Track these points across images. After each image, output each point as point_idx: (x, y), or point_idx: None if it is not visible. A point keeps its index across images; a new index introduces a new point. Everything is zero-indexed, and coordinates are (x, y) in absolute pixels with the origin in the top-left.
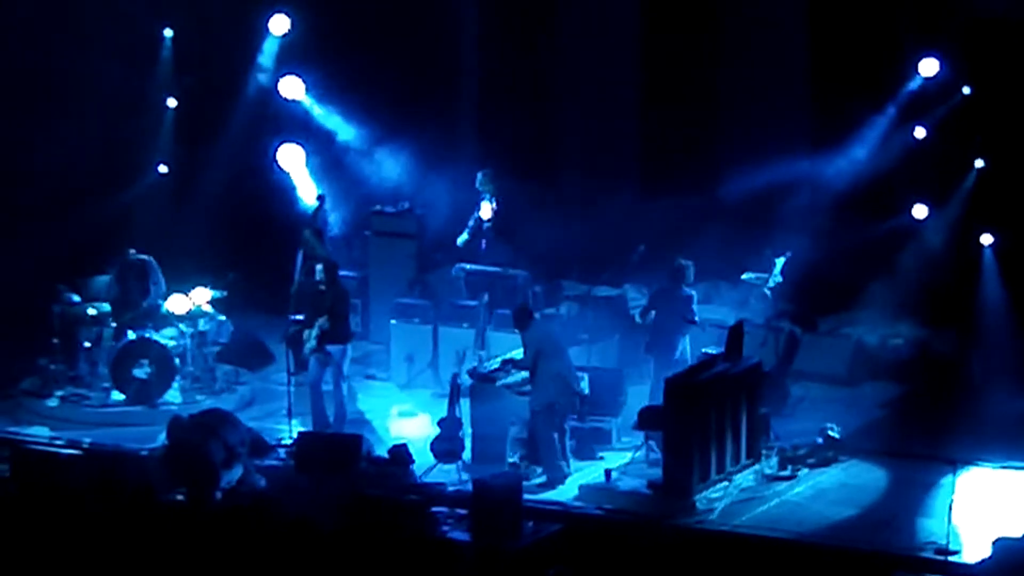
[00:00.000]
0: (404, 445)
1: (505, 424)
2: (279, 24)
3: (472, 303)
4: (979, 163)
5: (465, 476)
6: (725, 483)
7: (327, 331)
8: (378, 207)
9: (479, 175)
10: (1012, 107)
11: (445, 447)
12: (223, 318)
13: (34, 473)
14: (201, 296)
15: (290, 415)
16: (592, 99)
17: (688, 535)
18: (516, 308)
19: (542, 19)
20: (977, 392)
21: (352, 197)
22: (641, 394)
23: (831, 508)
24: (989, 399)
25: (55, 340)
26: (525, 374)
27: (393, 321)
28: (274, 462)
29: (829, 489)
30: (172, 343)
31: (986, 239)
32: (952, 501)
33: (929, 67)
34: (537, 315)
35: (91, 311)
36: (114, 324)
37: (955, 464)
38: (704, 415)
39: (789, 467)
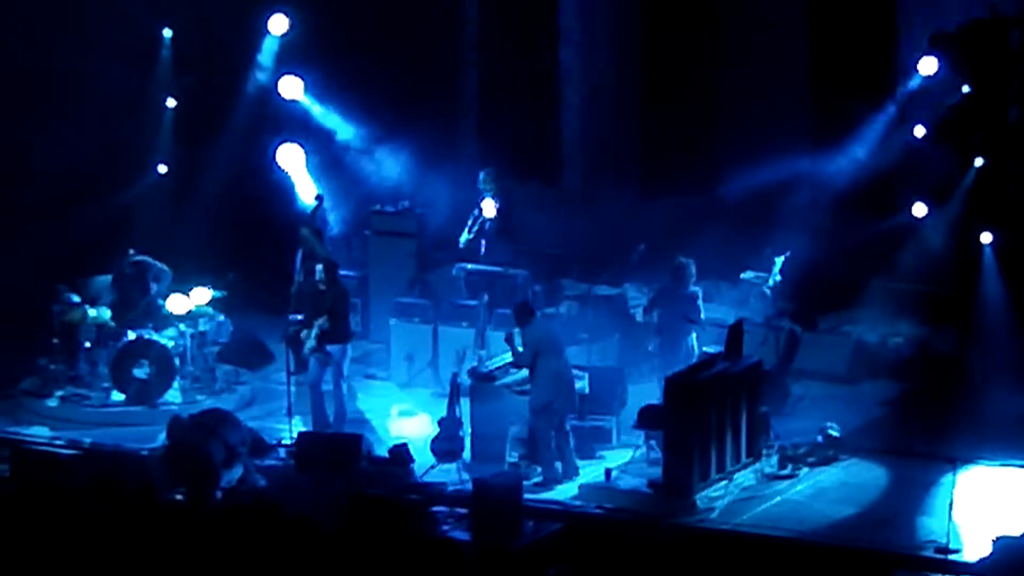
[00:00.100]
0: (404, 444)
1: (505, 423)
2: (278, 24)
3: (472, 302)
4: (979, 162)
5: (465, 475)
6: (725, 482)
7: (327, 331)
8: (378, 206)
9: (481, 174)
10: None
11: (445, 446)
12: (223, 318)
13: (34, 473)
14: (201, 296)
15: (290, 415)
16: (592, 98)
17: (688, 534)
18: (517, 305)
19: (542, 19)
20: (977, 390)
21: (352, 196)
22: (641, 393)
23: (831, 507)
24: (989, 397)
25: (55, 340)
26: (525, 373)
27: (393, 320)
28: (274, 462)
29: (829, 488)
30: (172, 343)
31: (986, 238)
32: (952, 499)
33: (928, 66)
34: (538, 313)
35: (91, 311)
36: (114, 324)
37: (955, 462)
38: (704, 414)
39: (789, 466)
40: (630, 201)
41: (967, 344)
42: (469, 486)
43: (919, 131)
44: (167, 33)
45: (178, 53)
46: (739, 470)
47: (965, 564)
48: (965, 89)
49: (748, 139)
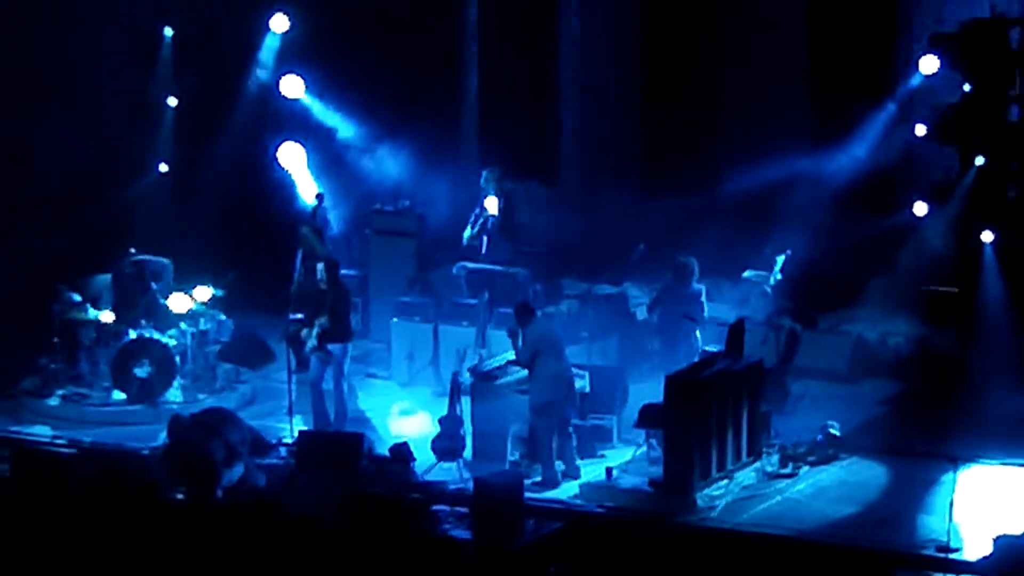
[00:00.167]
0: (405, 443)
1: (506, 422)
2: (279, 23)
3: (473, 301)
4: (979, 161)
5: (466, 474)
6: (726, 481)
7: (328, 330)
8: (378, 205)
9: (484, 172)
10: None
11: (446, 445)
12: (224, 317)
13: (35, 472)
14: (202, 295)
15: (291, 414)
16: (592, 97)
17: (689, 533)
18: (518, 304)
19: (542, 18)
20: (977, 389)
21: (352, 195)
22: (642, 392)
23: (832, 506)
24: (989, 396)
25: (56, 339)
26: (525, 372)
27: (394, 319)
28: (275, 461)
29: (830, 487)
30: (173, 342)
31: (986, 236)
32: (953, 498)
33: (929, 65)
34: (539, 312)
35: (92, 310)
36: (115, 324)
37: (956, 461)
38: (705, 413)
39: (790, 464)
40: (630, 200)
41: (967, 343)
42: (470, 485)
43: (919, 130)
44: (168, 32)
45: (179, 52)
46: (740, 469)
47: (965, 563)
48: (966, 88)
49: (748, 138)
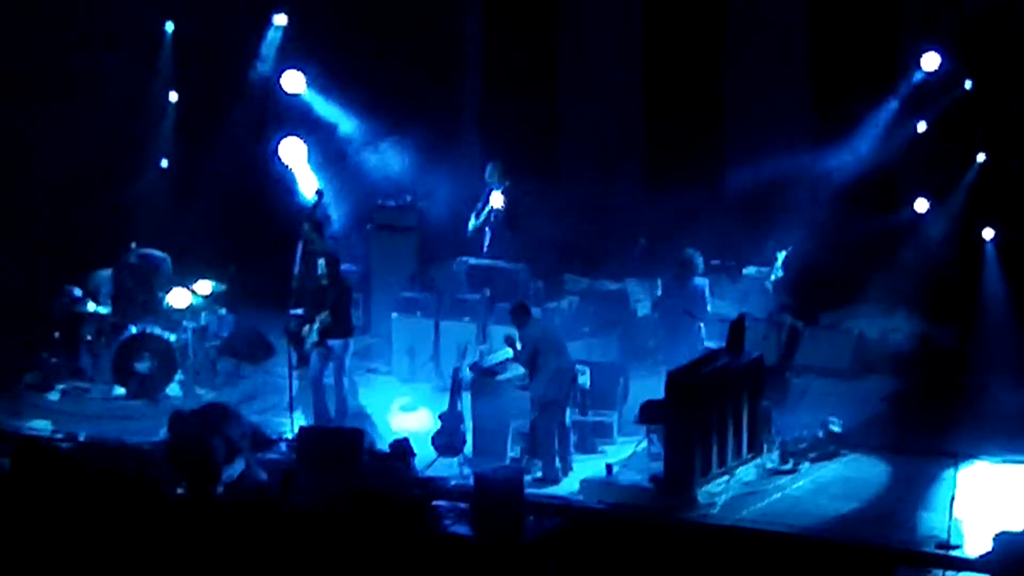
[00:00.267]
0: (405, 439)
1: (506, 418)
2: (281, 18)
3: (474, 297)
4: (980, 157)
5: (466, 470)
6: (726, 477)
7: (329, 325)
8: (380, 201)
9: (488, 166)
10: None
11: (446, 441)
12: (224, 312)
13: (36, 467)
14: (203, 290)
15: (291, 409)
16: (595, 92)
17: (689, 529)
18: (513, 306)
19: (545, 11)
20: (978, 386)
21: (354, 191)
22: (643, 388)
23: (832, 502)
24: (990, 393)
25: (57, 334)
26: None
27: (394, 315)
28: (276, 456)
29: (830, 483)
30: (173, 337)
31: (988, 233)
32: (953, 495)
33: (930, 61)
34: (537, 310)
35: (92, 305)
36: (115, 319)
37: (956, 458)
38: (705, 409)
39: (790, 461)
40: (632, 195)
41: (968, 340)
42: (470, 481)
43: (921, 126)
44: (169, 27)
45: (180, 47)
46: (740, 465)
47: (966, 560)
48: (968, 84)
49: (750, 134)
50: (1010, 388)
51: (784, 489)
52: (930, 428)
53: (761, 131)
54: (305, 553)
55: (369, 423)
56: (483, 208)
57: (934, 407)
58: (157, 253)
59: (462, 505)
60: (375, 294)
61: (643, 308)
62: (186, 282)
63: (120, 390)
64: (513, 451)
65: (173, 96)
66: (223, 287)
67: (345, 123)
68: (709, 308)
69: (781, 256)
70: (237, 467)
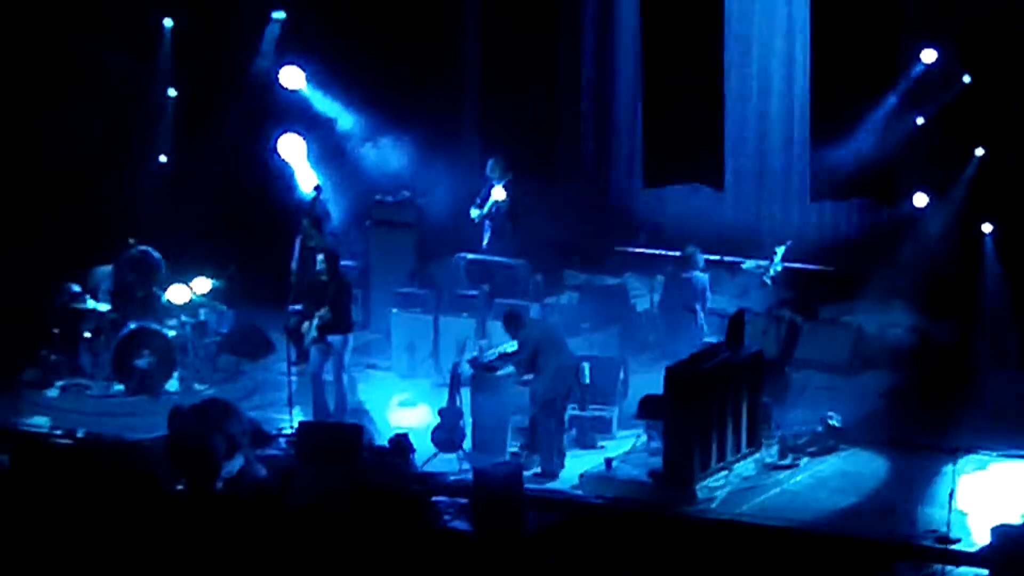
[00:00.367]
0: (405, 435)
1: (506, 413)
2: (280, 14)
3: (473, 292)
4: (979, 151)
5: (466, 466)
6: (726, 472)
7: (328, 322)
8: (379, 196)
9: (490, 162)
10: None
11: (445, 437)
12: (224, 308)
13: (35, 464)
14: (202, 286)
15: (291, 405)
16: (595, 86)
17: (689, 524)
18: (504, 316)
19: (543, 7)
20: (978, 380)
21: (352, 187)
22: (643, 383)
23: (832, 497)
24: (990, 387)
25: (56, 330)
26: None
27: (394, 310)
28: (275, 452)
29: (830, 478)
30: (173, 333)
31: (987, 228)
32: (953, 489)
33: (931, 56)
34: (536, 307)
35: (91, 301)
36: (114, 314)
37: (956, 452)
38: (705, 404)
39: (790, 456)
40: (632, 190)
41: (968, 334)
42: (470, 476)
43: (920, 121)
44: (167, 23)
45: (178, 43)
46: (739, 460)
47: (966, 554)
48: (967, 79)
49: (750, 129)
50: (1009, 382)
51: (783, 484)
52: (929, 423)
53: (761, 125)
54: (304, 549)
55: (368, 419)
56: (485, 199)
57: (933, 402)
58: (153, 252)
59: (461, 500)
60: (374, 290)
61: (642, 303)
62: (185, 278)
63: (119, 386)
64: (512, 446)
65: (172, 92)
66: (222, 283)
67: (344, 119)
68: (708, 304)
69: (780, 251)
70: (236, 463)
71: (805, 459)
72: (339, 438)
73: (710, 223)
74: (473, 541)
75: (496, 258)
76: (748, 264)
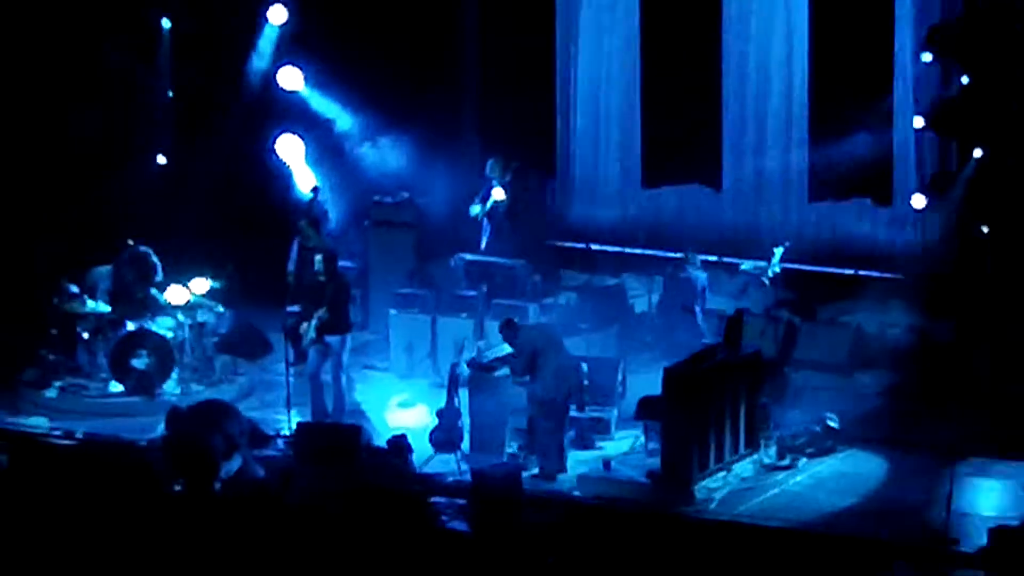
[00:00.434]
0: (403, 435)
1: (504, 414)
2: (278, 14)
3: (471, 293)
4: (978, 153)
5: (464, 466)
6: (724, 473)
7: (326, 322)
8: (377, 197)
9: (489, 162)
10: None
11: (444, 437)
12: (222, 308)
13: (33, 464)
14: (200, 286)
15: (289, 406)
16: (593, 86)
17: (687, 525)
18: (501, 324)
19: (543, 6)
20: (976, 381)
21: (351, 187)
22: (641, 383)
23: (830, 497)
24: (987, 388)
25: (54, 331)
26: None
27: (392, 311)
28: (273, 453)
29: (828, 479)
30: (171, 334)
31: (985, 228)
32: (951, 490)
33: (928, 56)
34: (535, 307)
35: (89, 302)
36: (112, 315)
37: (954, 453)
38: (703, 405)
39: (788, 456)
40: (630, 190)
41: (966, 334)
42: (468, 477)
43: (918, 122)
44: (165, 23)
45: (177, 43)
46: (738, 461)
47: (964, 555)
48: (964, 80)
49: (747, 130)
50: (1007, 383)
51: (781, 484)
52: (927, 423)
53: (760, 125)
54: (302, 550)
55: (366, 419)
56: (486, 199)
57: (931, 402)
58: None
59: (460, 501)
60: (373, 291)
61: (641, 304)
62: (183, 279)
63: (117, 387)
64: (511, 447)
65: (170, 92)
66: (220, 284)
67: (343, 119)
68: (706, 305)
69: (779, 251)
70: (234, 463)
71: (803, 460)
72: (337, 439)
73: (708, 224)
74: (471, 542)
75: (495, 259)
76: (746, 265)
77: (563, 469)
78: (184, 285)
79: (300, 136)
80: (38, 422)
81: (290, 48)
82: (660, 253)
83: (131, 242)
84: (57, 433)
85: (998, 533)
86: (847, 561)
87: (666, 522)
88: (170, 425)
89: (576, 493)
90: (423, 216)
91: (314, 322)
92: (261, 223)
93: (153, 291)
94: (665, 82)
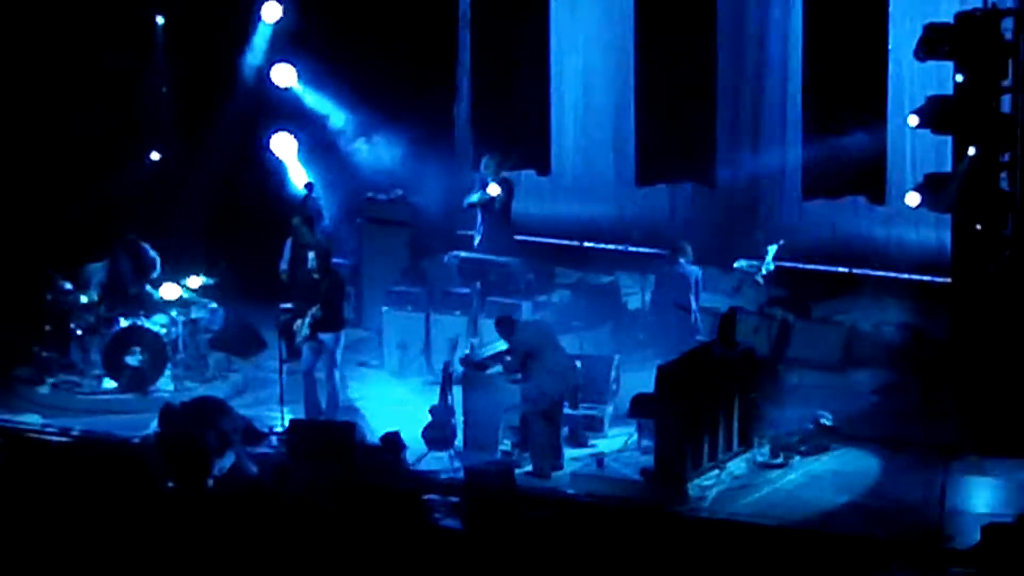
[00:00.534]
0: (396, 433)
1: (498, 412)
2: (271, 11)
3: (465, 290)
4: (971, 151)
5: (457, 464)
6: (717, 471)
7: (320, 319)
8: (371, 194)
9: (484, 159)
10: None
11: (437, 435)
12: (215, 305)
13: (26, 461)
14: (193, 283)
15: (282, 403)
16: (587, 84)
17: (680, 523)
18: (497, 320)
19: (537, 3)
20: (969, 379)
21: (344, 184)
22: (635, 381)
23: (824, 495)
24: (981, 386)
25: (47, 327)
26: None
27: (386, 308)
28: (267, 449)
29: (822, 476)
30: (164, 330)
31: (979, 226)
32: (945, 487)
33: (921, 55)
34: (529, 304)
35: (83, 298)
36: (106, 312)
37: (948, 450)
38: (696, 403)
39: (781, 455)
40: (624, 188)
41: (960, 332)
42: (461, 474)
43: (912, 120)
44: (159, 20)
45: (170, 40)
46: (731, 459)
47: (957, 552)
48: (959, 79)
49: (741, 128)
50: (1000, 380)
51: (775, 483)
52: (922, 420)
53: (754, 123)
54: (295, 547)
55: (360, 416)
56: (481, 190)
57: (926, 399)
58: (149, 249)
59: (453, 499)
60: (366, 288)
61: (634, 301)
62: (177, 276)
63: (111, 383)
64: (504, 444)
65: (164, 89)
66: (214, 280)
67: (336, 116)
68: (699, 302)
69: (772, 249)
70: (228, 460)
71: (797, 458)
72: (331, 436)
73: (702, 221)
74: (464, 539)
75: (489, 256)
76: (740, 263)
77: (560, 466)
78: (178, 282)
79: (293, 133)
80: (31, 419)
81: (284, 45)
82: (654, 251)
83: (131, 236)
84: (50, 430)
85: (991, 530)
86: (840, 559)
87: (659, 520)
88: (163, 422)
89: (570, 491)
90: (417, 213)
91: (308, 319)
92: (255, 220)
93: (147, 287)
94: (659, 80)
